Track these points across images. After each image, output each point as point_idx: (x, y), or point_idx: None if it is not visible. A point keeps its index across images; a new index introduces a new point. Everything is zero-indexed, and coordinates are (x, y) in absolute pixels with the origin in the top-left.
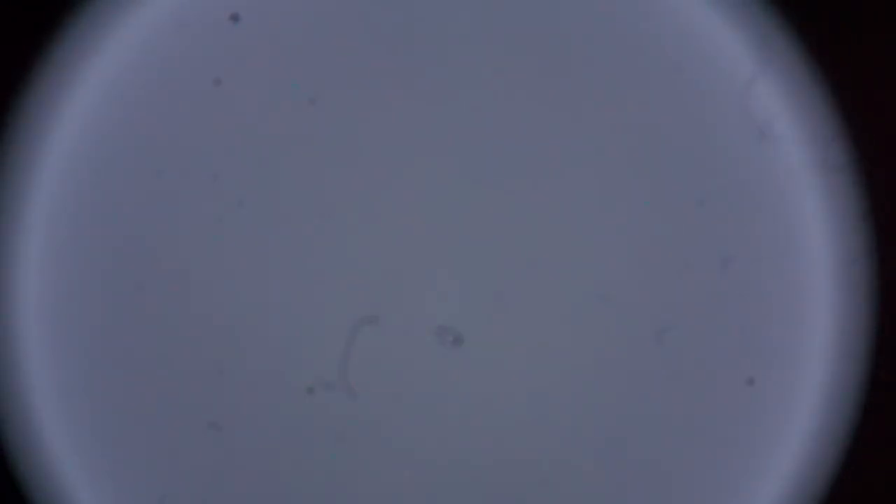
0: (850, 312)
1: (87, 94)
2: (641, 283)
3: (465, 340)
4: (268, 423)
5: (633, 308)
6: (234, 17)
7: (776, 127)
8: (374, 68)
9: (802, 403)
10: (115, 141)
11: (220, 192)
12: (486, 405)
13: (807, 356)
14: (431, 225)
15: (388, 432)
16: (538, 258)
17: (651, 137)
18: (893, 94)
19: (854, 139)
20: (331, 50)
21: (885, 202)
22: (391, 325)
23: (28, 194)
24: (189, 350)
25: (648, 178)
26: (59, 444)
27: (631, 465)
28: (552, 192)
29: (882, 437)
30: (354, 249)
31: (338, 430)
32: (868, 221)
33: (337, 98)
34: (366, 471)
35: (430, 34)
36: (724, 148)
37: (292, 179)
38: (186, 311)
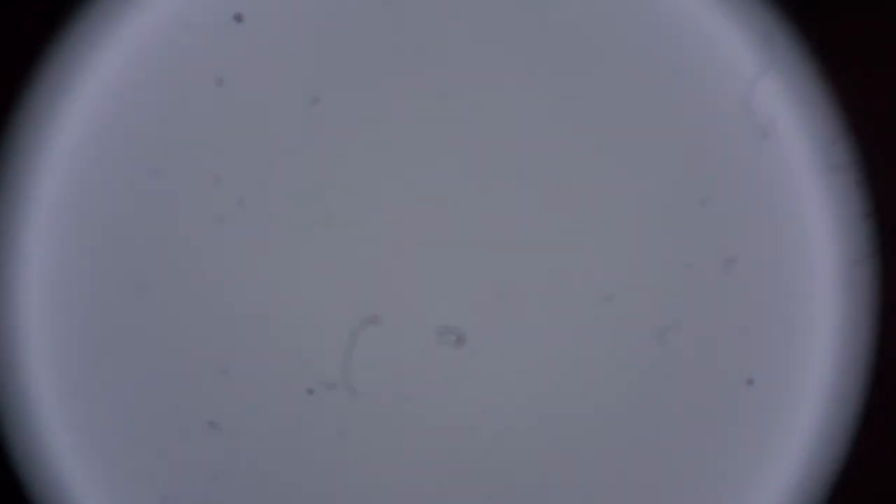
0: (852, 313)
1: (89, 93)
2: (644, 283)
3: (467, 340)
4: (268, 423)
5: (636, 308)
6: (238, 17)
7: (779, 126)
8: (377, 68)
9: (802, 403)
10: (117, 140)
11: (222, 192)
12: (488, 405)
13: (808, 356)
14: (433, 225)
15: (389, 432)
16: (540, 258)
17: (653, 136)
18: None
19: (857, 139)
20: (334, 50)
21: (889, 202)
22: (393, 324)
23: (29, 194)
24: (190, 350)
25: (650, 177)
26: (59, 443)
27: (631, 464)
28: (554, 191)
29: (883, 438)
30: (356, 249)
31: (339, 429)
32: (871, 221)
33: (340, 98)
34: (366, 471)
35: (432, 34)
36: (726, 147)
37: (294, 179)
38: (187, 311)
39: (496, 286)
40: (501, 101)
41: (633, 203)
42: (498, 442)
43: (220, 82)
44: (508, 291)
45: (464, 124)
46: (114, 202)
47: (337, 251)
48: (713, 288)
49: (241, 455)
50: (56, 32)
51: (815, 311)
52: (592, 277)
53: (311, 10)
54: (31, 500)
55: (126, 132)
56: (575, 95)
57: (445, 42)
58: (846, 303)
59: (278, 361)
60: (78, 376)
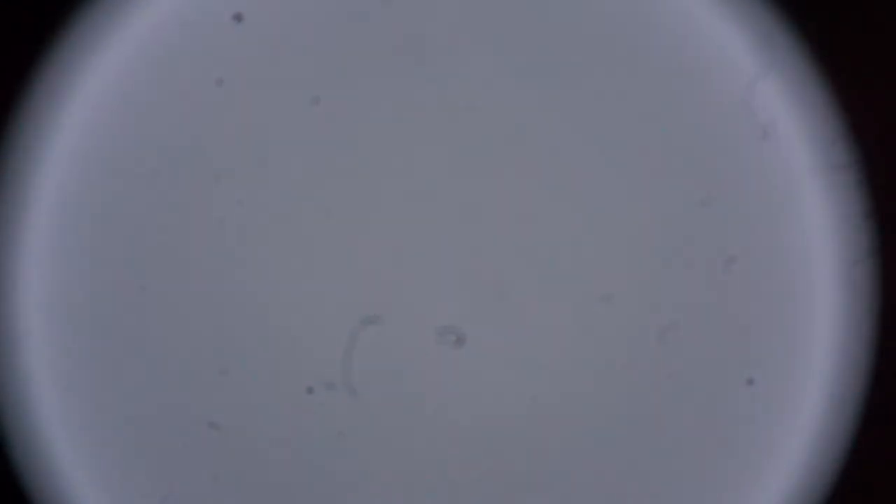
0: (852, 313)
1: (89, 93)
2: (644, 283)
3: (467, 340)
4: (268, 423)
5: (636, 308)
6: (238, 17)
7: (779, 126)
8: (377, 68)
9: (802, 403)
10: (117, 140)
11: (222, 192)
12: (488, 405)
13: (808, 356)
14: (434, 224)
15: (389, 432)
16: (541, 258)
17: (654, 137)
18: None
19: (857, 139)
20: (334, 50)
21: (888, 202)
22: (393, 324)
23: (30, 194)
24: (190, 350)
25: (651, 177)
26: (60, 443)
27: (631, 464)
28: (555, 191)
29: (883, 438)
30: (356, 249)
31: (338, 430)
32: (871, 221)
33: (340, 98)
34: (366, 471)
35: (433, 34)
36: (726, 147)
37: (294, 179)
38: (188, 311)
39: (496, 286)
40: (501, 101)
41: (633, 203)
42: (498, 441)
43: (220, 82)
44: (508, 291)
45: (464, 124)
46: (113, 202)
47: (337, 251)
48: (713, 288)
49: (241, 455)
50: (56, 32)
51: (815, 311)
52: (592, 277)
53: (311, 10)
54: (31, 500)
55: (126, 132)
56: (575, 95)
57: (445, 42)
58: (846, 303)
59: (278, 361)
60: (78, 376)
